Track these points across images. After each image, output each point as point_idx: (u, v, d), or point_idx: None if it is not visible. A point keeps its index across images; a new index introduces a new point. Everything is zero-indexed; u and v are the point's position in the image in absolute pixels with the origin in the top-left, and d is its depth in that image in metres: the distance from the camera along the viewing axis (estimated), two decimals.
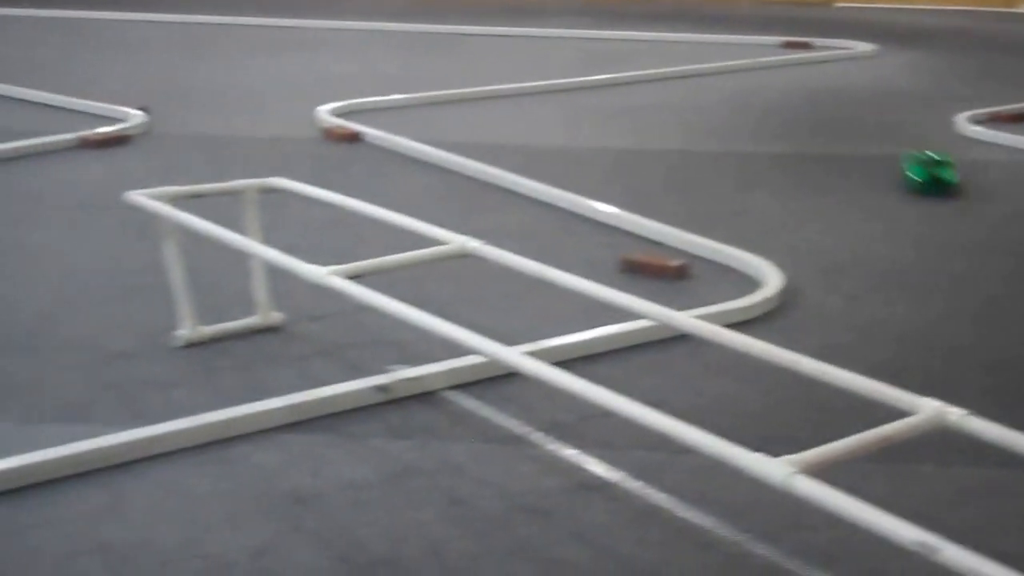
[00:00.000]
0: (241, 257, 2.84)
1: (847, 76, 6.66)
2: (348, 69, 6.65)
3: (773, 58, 7.05)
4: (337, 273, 2.34)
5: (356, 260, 2.46)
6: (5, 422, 2.45)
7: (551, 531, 2.06)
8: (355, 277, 2.36)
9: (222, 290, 3.00)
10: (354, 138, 4.88)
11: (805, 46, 7.47)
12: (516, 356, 2.05)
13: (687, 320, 2.14)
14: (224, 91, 6.05)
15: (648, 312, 2.19)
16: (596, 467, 2.26)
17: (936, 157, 4.23)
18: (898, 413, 1.71)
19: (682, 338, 2.69)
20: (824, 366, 1.84)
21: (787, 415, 2.48)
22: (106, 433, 2.32)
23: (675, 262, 3.32)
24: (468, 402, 2.52)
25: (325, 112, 5.20)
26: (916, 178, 4.18)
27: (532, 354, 2.15)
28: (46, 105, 5.42)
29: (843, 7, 9.98)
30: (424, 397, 2.55)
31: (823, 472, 1.55)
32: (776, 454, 1.63)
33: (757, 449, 1.66)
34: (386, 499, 2.16)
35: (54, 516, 2.09)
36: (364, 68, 6.70)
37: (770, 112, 5.64)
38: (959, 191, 4.14)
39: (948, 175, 4.17)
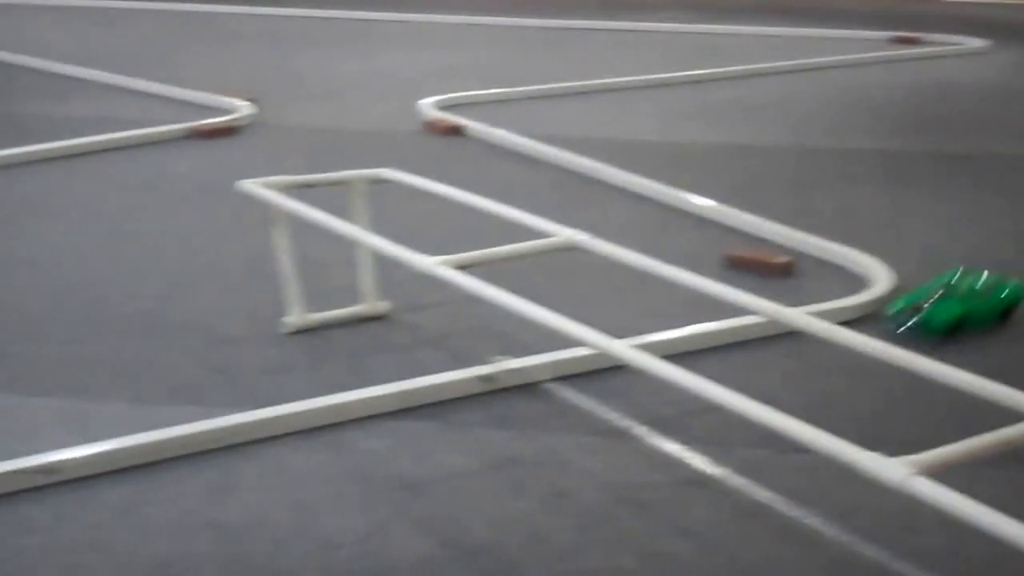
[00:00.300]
0: (347, 246, 2.87)
1: (958, 73, 6.55)
2: (449, 63, 6.67)
3: (880, 53, 6.95)
4: (446, 263, 2.36)
5: (462, 251, 2.48)
6: (121, 402, 2.51)
7: (655, 525, 2.06)
8: (463, 267, 2.38)
9: (329, 278, 3.03)
10: (456, 131, 4.91)
11: (914, 42, 7.36)
12: (625, 349, 2.06)
13: (799, 316, 2.13)
14: (328, 83, 6.11)
15: (758, 308, 2.18)
16: (700, 463, 2.25)
17: (957, 281, 2.94)
18: (1017, 416, 1.69)
19: (789, 335, 2.67)
20: (941, 366, 1.82)
21: (899, 416, 2.45)
22: (217, 415, 2.37)
23: (780, 259, 3.30)
24: (571, 394, 2.53)
25: (427, 105, 5.23)
26: (893, 308, 2.91)
27: (638, 348, 2.15)
28: (156, 95, 5.51)
29: (953, 2, 9.82)
30: (528, 388, 2.56)
31: (940, 474, 1.54)
32: (888, 455, 1.62)
33: (868, 449, 1.65)
34: (490, 488, 2.18)
35: (168, 495, 2.14)
36: (465, 62, 6.72)
37: (877, 108, 5.57)
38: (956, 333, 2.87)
39: (943, 312, 2.84)
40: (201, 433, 2.29)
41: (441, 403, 2.48)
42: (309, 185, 2.96)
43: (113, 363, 2.71)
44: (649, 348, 2.29)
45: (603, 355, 2.39)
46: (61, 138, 4.56)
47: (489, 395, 2.52)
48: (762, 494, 2.14)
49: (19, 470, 2.17)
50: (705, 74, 6.22)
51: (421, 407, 2.46)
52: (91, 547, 1.98)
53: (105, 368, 2.68)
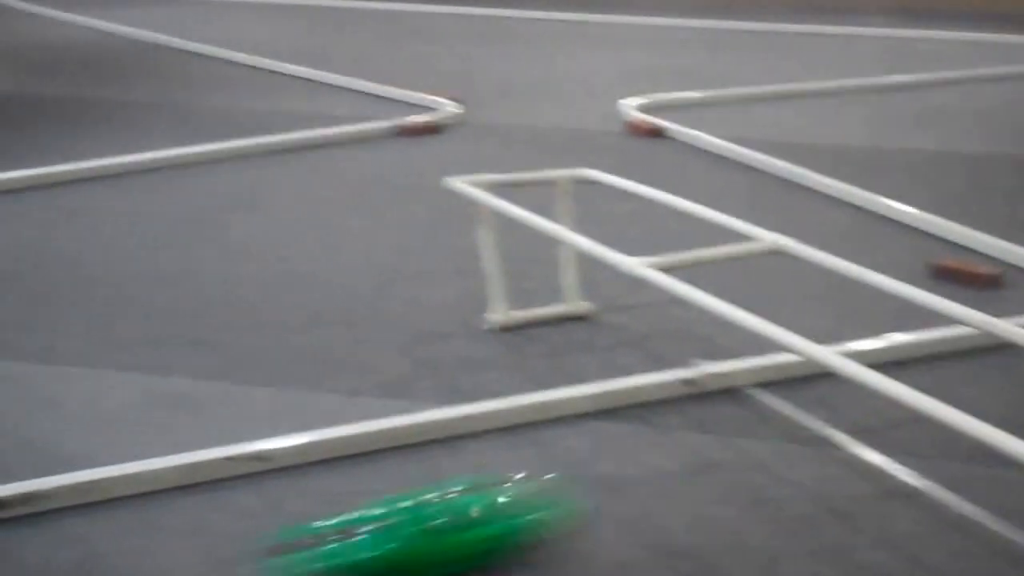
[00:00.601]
0: (548, 244, 2.90)
1: None
2: (650, 64, 6.67)
3: None
4: (651, 265, 2.38)
5: (660, 253, 2.49)
6: (331, 393, 2.59)
7: (857, 535, 2.04)
8: (667, 270, 2.39)
9: (530, 277, 3.07)
10: (657, 133, 4.91)
11: None
12: (832, 356, 2.04)
13: (1012, 329, 2.08)
14: (530, 83, 6.16)
15: (969, 319, 2.14)
16: (904, 474, 2.22)
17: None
18: None
19: (998, 349, 2.61)
20: None
21: None
22: (423, 409, 2.42)
23: (988, 270, 3.22)
24: (773, 400, 2.52)
25: (628, 106, 5.23)
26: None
27: (842, 355, 2.13)
28: (363, 93, 5.63)
29: None
30: (729, 393, 2.55)
31: None
32: None
33: None
34: (691, 492, 2.19)
35: (377, 486, 2.19)
36: (665, 63, 6.71)
37: None
38: None
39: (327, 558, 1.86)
40: (409, 427, 2.35)
41: (641, 405, 2.50)
42: (515, 184, 3.00)
43: (323, 354, 2.79)
44: (852, 356, 2.27)
45: (805, 361, 2.37)
46: (272, 133, 4.70)
47: (690, 399, 2.53)
48: (968, 509, 2.10)
49: (233, 456, 2.26)
50: (911, 80, 6.09)
51: (622, 408, 2.48)
52: None
53: (316, 359, 2.77)
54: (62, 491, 2.14)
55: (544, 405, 2.44)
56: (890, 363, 2.62)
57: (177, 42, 6.94)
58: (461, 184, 2.92)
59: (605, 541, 2.02)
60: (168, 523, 2.10)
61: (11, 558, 2.01)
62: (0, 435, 2.42)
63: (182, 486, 2.20)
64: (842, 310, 2.95)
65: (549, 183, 2.97)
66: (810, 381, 2.54)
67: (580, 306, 2.95)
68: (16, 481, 2.16)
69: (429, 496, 1.94)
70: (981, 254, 3.41)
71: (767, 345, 2.35)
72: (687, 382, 2.54)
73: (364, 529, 1.88)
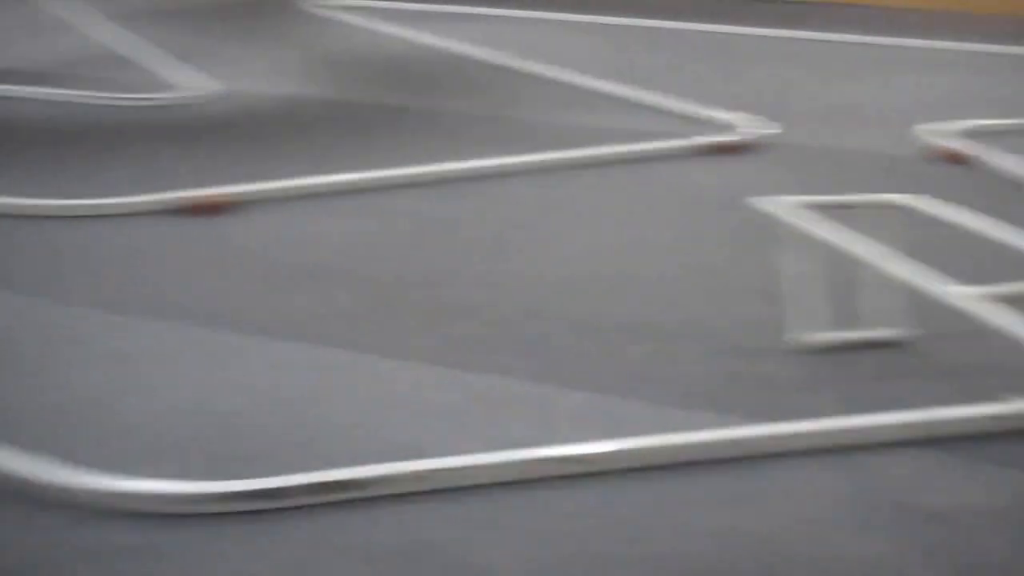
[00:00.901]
0: (847, 267, 2.86)
1: None
2: (949, 90, 6.49)
3: None
4: (981, 296, 2.33)
5: (974, 284, 2.43)
6: (640, 401, 2.63)
7: None
8: (999, 301, 2.34)
9: (834, 299, 3.03)
10: (962, 160, 4.79)
11: None
12: None
13: None
14: (831, 105, 6.07)
15: None
16: None
17: None
18: None
19: None
20: None
21: None
22: (730, 424, 2.44)
23: None
24: None
25: (932, 131, 5.12)
26: None
27: None
28: (668, 111, 5.64)
29: None
30: None
31: None
32: None
33: None
34: (1008, 529, 2.14)
35: (691, 498, 2.23)
36: (965, 90, 6.52)
37: None
38: None
39: None
40: (722, 441, 2.37)
41: (959, 436, 2.44)
42: (828, 206, 2.98)
43: (631, 363, 2.83)
44: None
45: None
46: (579, 147, 4.75)
47: (1011, 434, 2.45)
48: None
49: (549, 458, 2.32)
50: None
51: (936, 439, 2.43)
52: (627, 540, 2.09)
53: (623, 367, 2.81)
54: (393, 479, 2.24)
55: (858, 430, 2.42)
56: None
57: (486, 55, 7.11)
58: (770, 204, 2.93)
59: (914, 571, 2.00)
60: (490, 518, 2.16)
61: (339, 540, 2.11)
62: (330, 422, 2.55)
63: (500, 483, 2.27)
64: None
65: (862, 207, 2.95)
66: None
67: (891, 332, 2.90)
68: (346, 467, 2.28)
69: None
70: None
71: None
72: (1011, 417, 2.47)
73: None
